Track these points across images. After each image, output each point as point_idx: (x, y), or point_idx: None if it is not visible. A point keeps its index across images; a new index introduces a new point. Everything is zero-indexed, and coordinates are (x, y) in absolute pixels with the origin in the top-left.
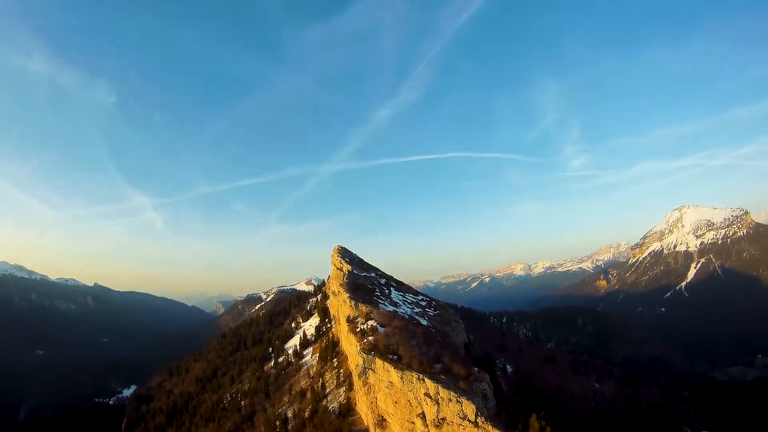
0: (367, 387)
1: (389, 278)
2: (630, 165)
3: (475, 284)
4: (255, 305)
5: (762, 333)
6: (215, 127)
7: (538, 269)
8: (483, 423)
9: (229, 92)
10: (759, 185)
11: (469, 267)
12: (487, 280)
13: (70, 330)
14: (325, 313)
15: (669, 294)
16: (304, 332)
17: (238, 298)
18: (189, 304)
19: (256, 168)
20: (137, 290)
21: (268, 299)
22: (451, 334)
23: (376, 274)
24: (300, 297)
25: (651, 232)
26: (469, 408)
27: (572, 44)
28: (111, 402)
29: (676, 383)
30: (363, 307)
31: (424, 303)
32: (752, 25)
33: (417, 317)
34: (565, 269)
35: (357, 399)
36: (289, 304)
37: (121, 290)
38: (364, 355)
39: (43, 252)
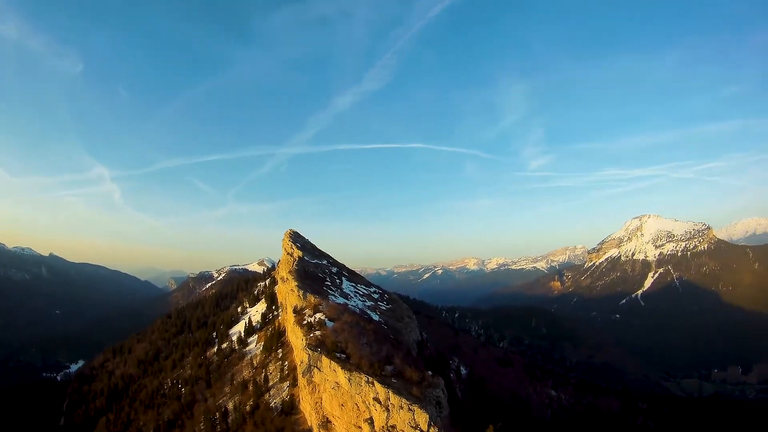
0: (311, 386)
1: (342, 267)
2: (592, 170)
3: (427, 275)
4: (206, 283)
5: (717, 348)
6: (178, 103)
7: (492, 265)
8: None
9: (194, 69)
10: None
11: (422, 258)
12: (440, 272)
13: (23, 300)
14: (272, 300)
15: (624, 301)
16: (249, 318)
17: (191, 275)
18: (142, 278)
19: (215, 146)
20: (92, 262)
21: (219, 278)
22: (403, 332)
23: (328, 262)
24: (248, 280)
25: (609, 238)
26: (422, 417)
27: (542, 46)
28: (59, 378)
29: (632, 393)
30: (312, 298)
31: (376, 296)
32: (725, 46)
33: (368, 311)
34: (519, 267)
35: (301, 397)
36: (237, 288)
37: (76, 261)
38: (310, 352)
39: (1, 220)
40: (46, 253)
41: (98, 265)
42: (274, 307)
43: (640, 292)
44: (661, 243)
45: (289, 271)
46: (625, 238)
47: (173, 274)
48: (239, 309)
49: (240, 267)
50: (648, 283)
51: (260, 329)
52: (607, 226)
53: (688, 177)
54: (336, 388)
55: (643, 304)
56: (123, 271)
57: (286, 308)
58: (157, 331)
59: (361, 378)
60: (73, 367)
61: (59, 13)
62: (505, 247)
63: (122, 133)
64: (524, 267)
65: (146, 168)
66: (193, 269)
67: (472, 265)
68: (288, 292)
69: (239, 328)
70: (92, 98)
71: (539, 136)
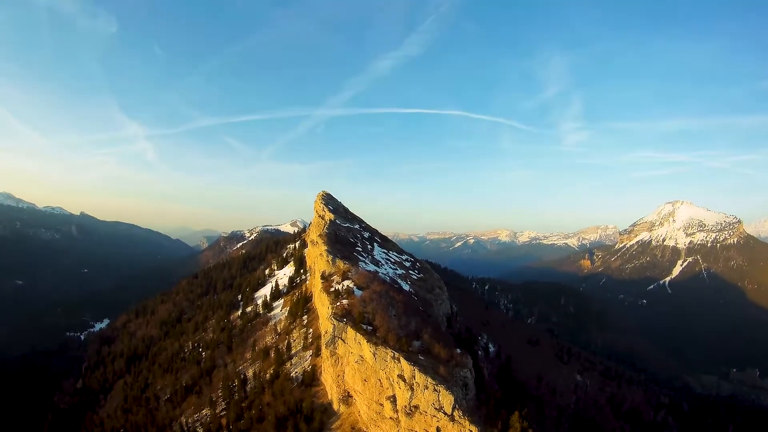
0: (335, 358)
1: (374, 232)
2: (627, 150)
3: (459, 244)
4: (237, 243)
5: (738, 346)
6: (214, 62)
7: (524, 238)
8: (460, 417)
9: (231, 28)
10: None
11: (455, 226)
12: (472, 241)
13: (51, 259)
14: (301, 263)
15: (652, 287)
16: (276, 282)
17: (223, 234)
18: (174, 237)
19: (252, 106)
20: (124, 221)
21: (250, 237)
22: (434, 304)
23: (360, 227)
24: (278, 242)
25: (641, 221)
26: (447, 399)
27: (585, 20)
28: (82, 337)
29: (654, 386)
30: (341, 264)
31: (408, 264)
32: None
33: (399, 280)
34: (550, 242)
35: (323, 368)
36: (266, 249)
37: (108, 220)
38: (335, 322)
39: (34, 180)
40: (77, 212)
41: (130, 224)
42: (302, 271)
43: (668, 279)
44: (692, 231)
45: (320, 235)
46: (657, 223)
47: (205, 233)
48: (267, 271)
49: (272, 227)
50: (676, 270)
51: (287, 293)
52: (639, 208)
53: (722, 167)
54: (360, 362)
55: (670, 291)
56: (155, 230)
57: (315, 273)
58: (182, 291)
59: (387, 353)
60: (98, 326)
61: None
62: (537, 220)
63: (157, 92)
64: (555, 242)
65: (181, 126)
66: (225, 229)
67: (504, 237)
68: (317, 257)
69: (265, 291)
70: (127, 58)
71: (578, 111)
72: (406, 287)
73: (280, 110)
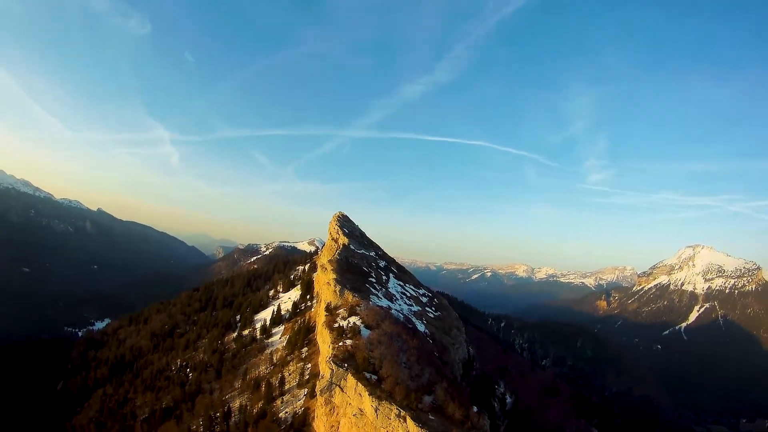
0: (330, 407)
1: (390, 261)
2: (648, 191)
3: (476, 276)
4: (251, 257)
5: (750, 397)
6: (244, 75)
7: (541, 274)
8: None
9: (262, 42)
10: None
11: (472, 256)
12: (489, 274)
13: (63, 252)
14: (308, 288)
15: (667, 332)
16: (279, 306)
17: (239, 246)
18: (190, 243)
19: (278, 120)
20: (140, 222)
21: (266, 252)
22: (450, 348)
23: (377, 254)
24: (287, 262)
25: (661, 264)
26: None
27: (614, 57)
28: (80, 333)
29: None
30: (349, 296)
31: (425, 299)
32: None
33: (414, 319)
34: (567, 280)
35: (316, 415)
36: (273, 269)
37: (124, 219)
38: (334, 367)
39: (54, 171)
40: (94, 208)
41: (146, 225)
42: (308, 297)
43: (684, 324)
44: (710, 277)
45: (330, 260)
46: (677, 267)
47: (223, 243)
48: (271, 293)
49: (289, 244)
50: (693, 316)
51: (288, 320)
52: (657, 250)
53: (743, 212)
54: (359, 416)
55: (685, 338)
56: (172, 234)
57: (321, 301)
58: (180, 303)
59: (392, 410)
60: (98, 325)
61: None
62: (555, 256)
63: (185, 99)
64: (572, 281)
65: (207, 135)
66: (243, 240)
67: (521, 272)
68: (324, 284)
69: (266, 314)
70: (158, 61)
71: (602, 148)
72: (422, 327)
73: (306, 128)
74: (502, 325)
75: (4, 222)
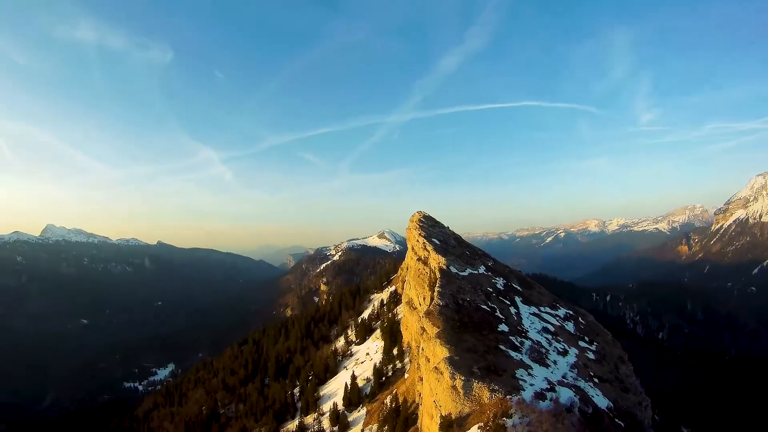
0: None
1: (505, 273)
2: (700, 123)
3: (549, 239)
4: (320, 264)
5: None
6: (279, 80)
7: (613, 227)
8: None
9: (289, 44)
10: None
11: (542, 220)
12: (563, 235)
13: (121, 295)
14: (392, 337)
15: (756, 270)
16: (353, 374)
17: (309, 250)
18: (257, 258)
19: (323, 119)
20: (202, 247)
21: (335, 256)
22: (638, 413)
23: (486, 267)
24: (357, 290)
25: (735, 198)
26: None
27: None
28: (140, 387)
29: None
30: (483, 393)
31: (570, 325)
32: None
33: (585, 386)
34: (640, 229)
35: None
36: (339, 303)
37: (186, 247)
38: None
39: (109, 213)
40: (153, 242)
41: (209, 249)
42: (395, 351)
43: None
44: None
45: (429, 312)
46: (752, 198)
47: (291, 251)
48: (340, 344)
49: (358, 242)
50: None
51: (371, 397)
52: (719, 183)
53: None
54: None
55: None
56: (238, 252)
57: (419, 368)
58: (223, 368)
59: None
60: (161, 373)
61: (135, 6)
62: (622, 206)
63: (225, 115)
64: (646, 228)
65: (255, 147)
66: (311, 244)
67: (593, 227)
68: (428, 370)
69: (336, 387)
70: (188, 84)
71: (647, 88)
72: (601, 400)
73: (353, 120)
74: (608, 299)
75: (56, 276)
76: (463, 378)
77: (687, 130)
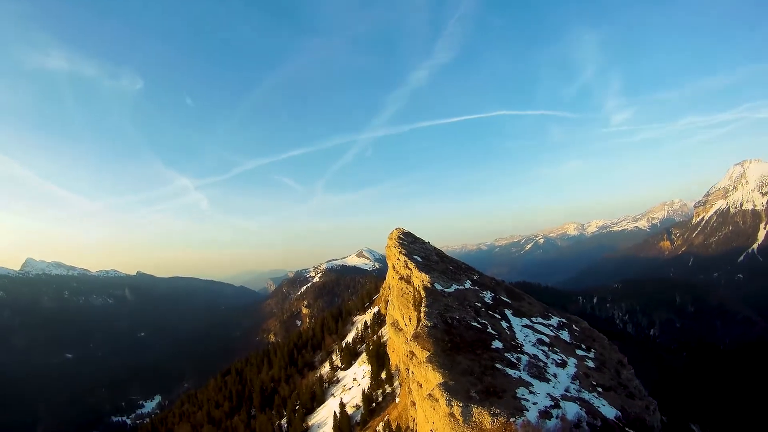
0: None
1: (492, 285)
2: (673, 119)
3: (529, 246)
4: (300, 287)
5: None
6: (249, 102)
7: (592, 228)
8: None
9: (258, 66)
10: None
11: (521, 228)
12: (542, 241)
13: (103, 327)
14: (380, 361)
15: (742, 258)
16: (341, 401)
17: (289, 273)
18: (237, 284)
19: (295, 141)
20: (183, 275)
21: (316, 279)
22: (647, 417)
23: (472, 281)
24: (339, 313)
25: (714, 189)
26: None
27: None
28: (128, 421)
29: None
30: (484, 419)
31: (565, 333)
32: None
33: (590, 398)
34: (620, 228)
35: None
36: (322, 327)
37: (166, 276)
38: None
39: (87, 244)
40: (133, 272)
41: (189, 277)
42: (383, 374)
43: (755, 246)
44: (766, 190)
45: (417, 335)
46: (731, 188)
47: (271, 275)
48: (325, 371)
49: (338, 262)
50: (761, 235)
51: (362, 424)
52: (697, 176)
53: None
54: None
55: (761, 259)
56: (219, 279)
57: (410, 392)
58: (208, 400)
59: None
60: (148, 405)
61: (106, 36)
62: (600, 207)
63: (198, 142)
64: (626, 228)
65: (229, 172)
66: (291, 267)
67: (572, 231)
68: (421, 396)
69: (325, 414)
70: (159, 112)
71: (618, 87)
72: (608, 410)
73: (326, 140)
74: (595, 301)
75: (38, 310)
76: (461, 404)
77: (661, 127)
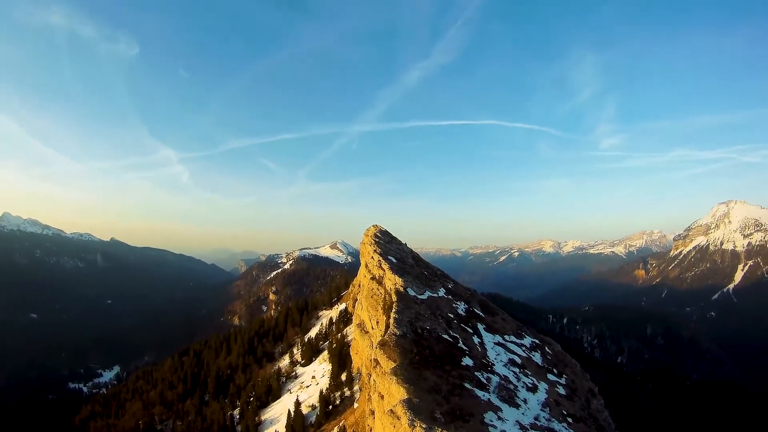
0: None
1: (465, 297)
2: (662, 150)
3: (503, 258)
4: (271, 272)
5: None
6: (242, 82)
7: (568, 248)
8: None
9: (255, 46)
10: None
11: (497, 238)
12: (516, 254)
13: (71, 291)
14: (341, 361)
15: (716, 296)
16: (297, 399)
17: (261, 256)
18: (209, 261)
19: (284, 125)
20: (156, 246)
21: (286, 264)
22: None
23: (446, 289)
24: (305, 305)
25: (695, 225)
26: None
27: (614, 17)
28: (84, 389)
29: None
30: None
31: (537, 356)
32: None
33: (557, 427)
34: (596, 251)
35: None
36: (285, 318)
37: (139, 246)
38: None
39: (67, 205)
40: (107, 238)
41: (161, 249)
42: (344, 376)
43: (731, 286)
44: (749, 232)
45: (383, 343)
46: (713, 225)
47: (244, 256)
48: (284, 364)
49: (310, 252)
50: (738, 276)
51: (316, 427)
52: (680, 209)
53: (755, 161)
54: None
55: (735, 300)
56: (192, 254)
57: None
58: (163, 380)
59: None
60: (106, 375)
61: None
62: (579, 228)
63: (186, 115)
64: (602, 252)
65: (214, 149)
66: (264, 250)
67: (548, 248)
68: (383, 413)
69: (279, 411)
70: (152, 81)
71: (611, 113)
72: None
73: (314, 128)
74: (565, 322)
75: (8, 266)
76: (424, 426)
77: (649, 157)
